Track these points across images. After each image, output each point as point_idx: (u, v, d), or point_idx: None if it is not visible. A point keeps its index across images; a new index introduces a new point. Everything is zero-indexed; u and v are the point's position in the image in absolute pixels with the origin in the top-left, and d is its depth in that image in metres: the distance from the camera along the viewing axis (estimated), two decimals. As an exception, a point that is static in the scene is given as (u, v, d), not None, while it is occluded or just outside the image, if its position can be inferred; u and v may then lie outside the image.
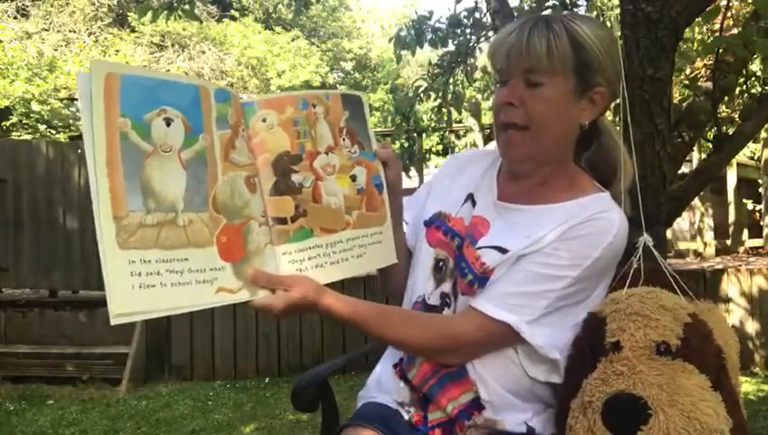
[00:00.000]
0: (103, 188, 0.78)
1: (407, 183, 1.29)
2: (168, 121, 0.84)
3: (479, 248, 1.04)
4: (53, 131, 7.95)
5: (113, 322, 0.78)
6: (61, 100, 8.14)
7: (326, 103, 1.04)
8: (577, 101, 1.01)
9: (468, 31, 3.79)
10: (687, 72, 2.73)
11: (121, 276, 0.78)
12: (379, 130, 6.60)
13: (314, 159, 1.01)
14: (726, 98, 2.54)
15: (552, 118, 1.00)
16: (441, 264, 1.10)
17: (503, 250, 1.01)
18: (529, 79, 0.99)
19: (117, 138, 0.79)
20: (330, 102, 1.04)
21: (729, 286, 3.95)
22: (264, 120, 0.97)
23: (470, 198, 1.13)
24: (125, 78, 0.81)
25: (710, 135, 2.30)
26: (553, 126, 1.01)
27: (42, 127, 7.91)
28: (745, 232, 5.90)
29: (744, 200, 6.03)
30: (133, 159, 0.80)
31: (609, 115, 1.51)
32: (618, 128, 1.16)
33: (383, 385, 1.14)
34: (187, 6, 3.19)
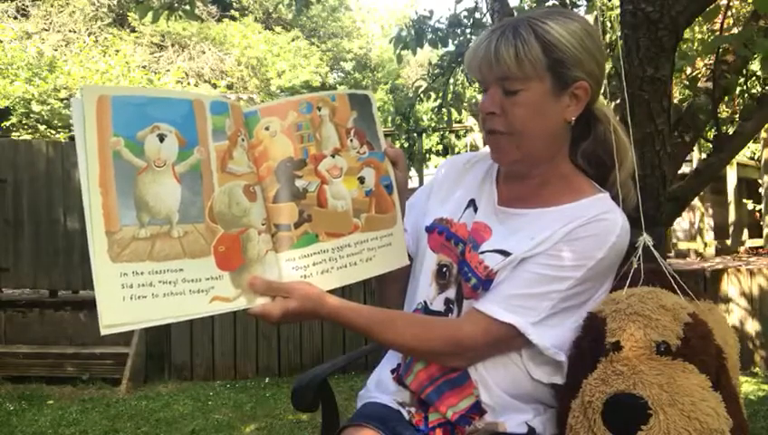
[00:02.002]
0: (96, 206, 0.80)
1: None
2: (162, 137, 0.85)
3: (482, 253, 1.04)
4: (53, 131, 7.95)
5: (103, 332, 0.80)
6: (61, 100, 8.13)
7: (332, 105, 1.02)
8: (558, 100, 1.01)
9: (468, 31, 3.80)
10: (688, 72, 2.73)
11: (112, 289, 0.80)
12: (379, 130, 6.57)
13: (319, 162, 0.99)
14: (726, 98, 2.54)
15: (533, 121, 1.00)
16: (445, 269, 1.09)
17: (506, 253, 1.01)
18: (505, 87, 0.99)
19: (110, 156, 0.82)
20: (336, 103, 1.03)
21: (729, 286, 3.95)
22: (267, 129, 0.97)
23: (472, 203, 1.13)
24: (116, 99, 0.83)
25: (710, 135, 2.30)
26: (537, 128, 1.01)
27: (42, 127, 7.91)
28: (745, 232, 5.91)
29: (744, 200, 6.03)
30: (126, 176, 0.82)
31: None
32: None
33: (383, 386, 1.14)
34: (187, 6, 3.19)
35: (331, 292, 0.98)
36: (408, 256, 1.15)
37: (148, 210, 0.83)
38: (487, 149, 1.11)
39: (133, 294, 0.81)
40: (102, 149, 0.81)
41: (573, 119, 1.03)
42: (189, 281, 0.85)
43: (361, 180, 1.04)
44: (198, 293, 0.85)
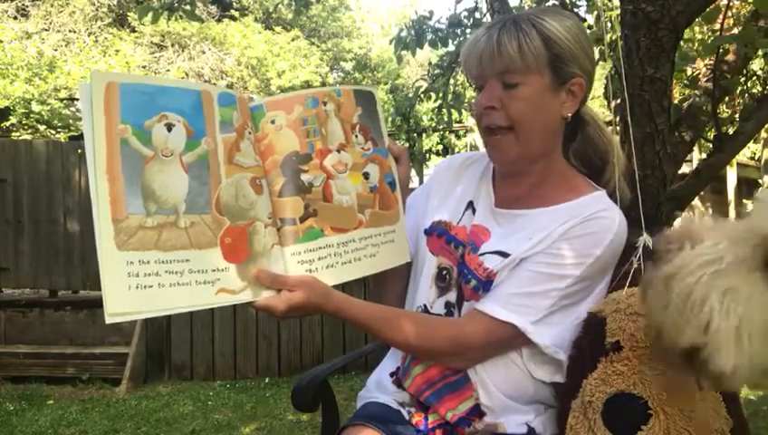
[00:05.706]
0: (103, 193, 0.80)
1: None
2: (170, 126, 0.85)
3: (481, 254, 1.04)
4: (53, 131, 7.94)
5: (108, 321, 0.79)
6: (61, 100, 8.13)
7: (337, 100, 1.03)
8: (556, 95, 1.01)
9: (468, 31, 3.79)
10: (689, 72, 2.73)
11: (118, 277, 0.79)
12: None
13: (325, 157, 1.00)
14: (726, 98, 2.54)
15: (533, 115, 1.00)
16: (445, 272, 1.09)
17: (505, 254, 1.01)
18: (505, 80, 0.99)
19: (117, 144, 0.81)
20: (341, 99, 1.03)
21: (729, 286, 3.94)
22: (272, 122, 0.96)
23: (470, 205, 1.13)
24: (124, 86, 0.83)
25: (710, 135, 2.30)
26: (536, 123, 1.01)
27: (42, 127, 7.91)
28: (745, 232, 5.90)
29: (744, 200, 6.03)
30: (134, 164, 0.82)
31: (608, 115, 1.51)
32: (617, 127, 1.16)
33: (383, 387, 1.14)
34: (188, 7, 3.19)
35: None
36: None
37: (154, 199, 0.83)
38: (484, 149, 1.10)
39: (139, 283, 0.80)
40: (110, 136, 0.81)
41: (570, 115, 1.04)
42: (196, 272, 0.84)
43: (366, 176, 1.04)
44: (204, 284, 0.85)
